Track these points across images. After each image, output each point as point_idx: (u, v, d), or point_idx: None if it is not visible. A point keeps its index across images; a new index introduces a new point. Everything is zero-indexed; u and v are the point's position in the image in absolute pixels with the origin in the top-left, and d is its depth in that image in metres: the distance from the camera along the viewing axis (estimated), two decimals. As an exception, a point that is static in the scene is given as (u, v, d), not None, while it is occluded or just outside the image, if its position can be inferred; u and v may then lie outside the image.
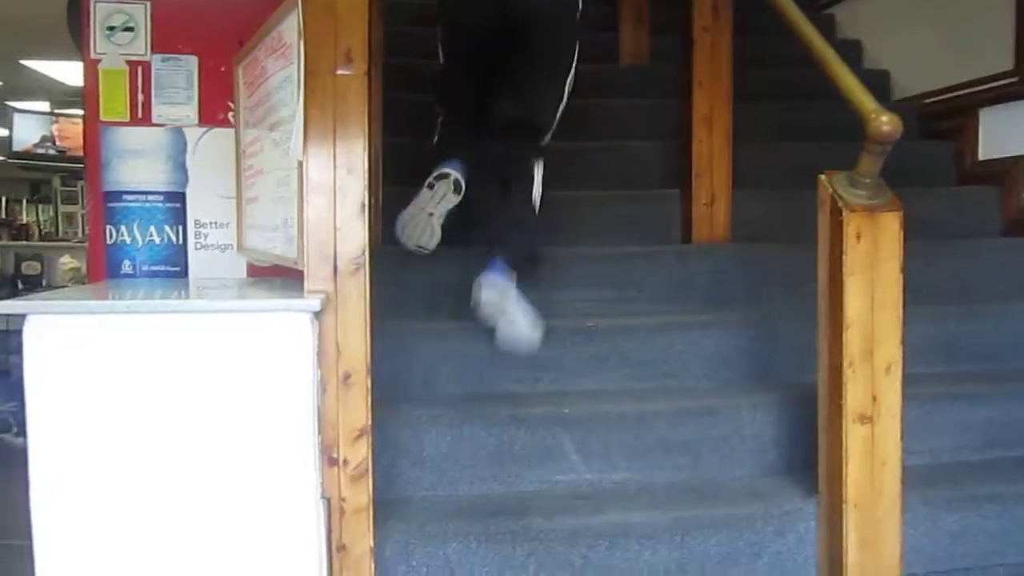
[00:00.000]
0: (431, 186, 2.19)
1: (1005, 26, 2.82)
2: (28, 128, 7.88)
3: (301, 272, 1.62)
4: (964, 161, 3.02)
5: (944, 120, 3.11)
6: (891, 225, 1.72)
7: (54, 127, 7.83)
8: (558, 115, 2.30)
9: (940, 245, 2.64)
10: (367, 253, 1.60)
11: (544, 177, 2.30)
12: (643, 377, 2.21)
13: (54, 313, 1.48)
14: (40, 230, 8.76)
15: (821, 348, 1.81)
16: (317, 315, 1.54)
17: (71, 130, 7.66)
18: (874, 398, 1.73)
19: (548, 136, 2.32)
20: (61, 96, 8.20)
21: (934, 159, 3.05)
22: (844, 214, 1.70)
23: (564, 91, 2.28)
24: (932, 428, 2.10)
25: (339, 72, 1.55)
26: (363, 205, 1.57)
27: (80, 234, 7.12)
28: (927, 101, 3.22)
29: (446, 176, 2.19)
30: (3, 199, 11.21)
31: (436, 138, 2.41)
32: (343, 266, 1.58)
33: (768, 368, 2.24)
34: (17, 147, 7.86)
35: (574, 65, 2.28)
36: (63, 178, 9.12)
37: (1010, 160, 2.84)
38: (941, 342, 2.37)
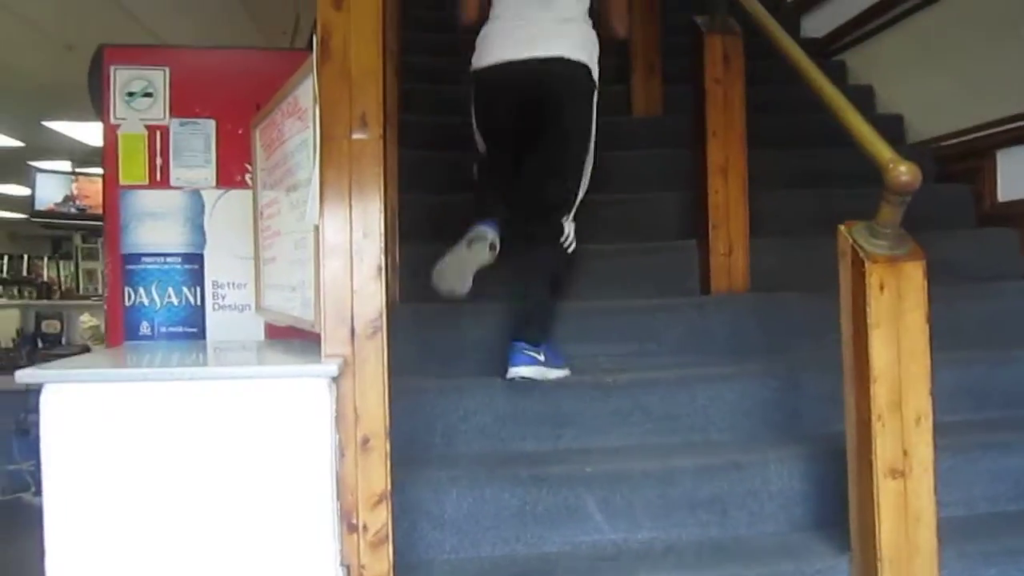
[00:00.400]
0: (469, 245, 2.26)
1: (1018, 68, 2.81)
2: (50, 188, 8.03)
3: (319, 334, 1.62)
4: (983, 203, 2.99)
5: (960, 162, 3.10)
6: (914, 275, 1.69)
7: (74, 186, 7.96)
8: (580, 192, 2.48)
9: (963, 289, 2.61)
10: (384, 315, 1.59)
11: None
12: (666, 432, 2.17)
13: (70, 382, 1.47)
14: (61, 286, 8.87)
15: (848, 401, 1.77)
16: (335, 380, 1.53)
17: (91, 189, 7.80)
18: (905, 452, 1.68)
19: (573, 208, 2.47)
20: (82, 156, 8.35)
21: (952, 201, 3.03)
22: (866, 265, 1.67)
23: (583, 172, 2.48)
24: (966, 478, 2.04)
25: (354, 136, 1.56)
26: (380, 267, 1.56)
27: (100, 290, 7.18)
28: (943, 144, 3.22)
29: (483, 237, 2.27)
30: (26, 257, 11.39)
31: (474, 196, 2.53)
32: (360, 329, 1.57)
33: (793, 420, 2.19)
34: (40, 206, 8.00)
35: (591, 145, 2.48)
36: (84, 235, 9.26)
37: (1031, 201, 2.82)
38: (969, 389, 2.32)
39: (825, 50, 4.10)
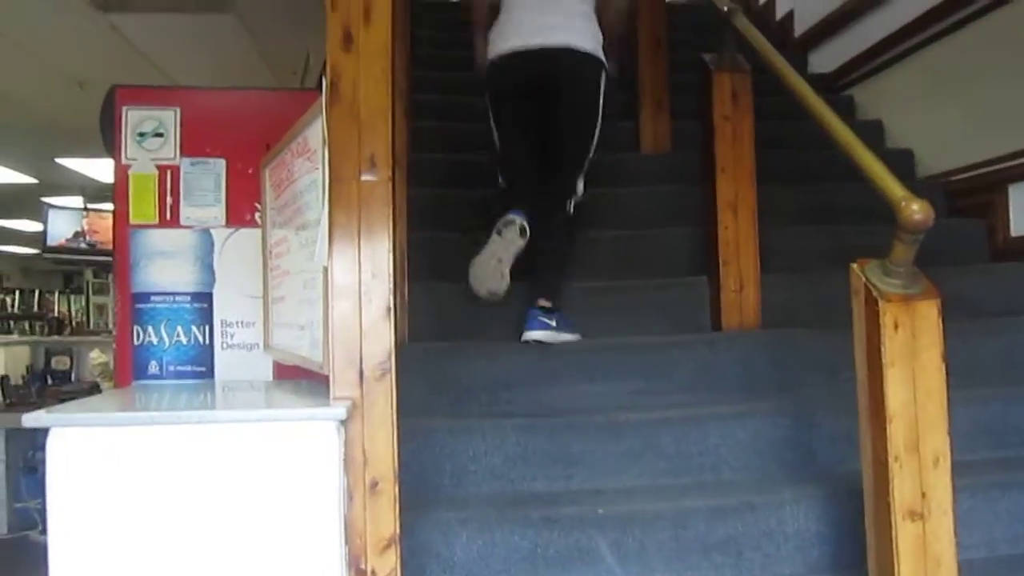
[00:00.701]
0: (500, 232, 2.42)
1: (1028, 102, 2.81)
2: (62, 223, 8.09)
3: (327, 375, 1.60)
4: (996, 237, 2.97)
5: (972, 197, 3.09)
6: (929, 314, 1.67)
7: (84, 222, 8.02)
8: (587, 165, 2.67)
9: (978, 324, 2.58)
10: (394, 357, 1.58)
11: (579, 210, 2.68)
12: (678, 472, 2.14)
13: (76, 426, 1.46)
14: (72, 321, 8.91)
15: (864, 442, 1.74)
16: (343, 423, 1.51)
17: (101, 224, 7.85)
18: (923, 494, 1.65)
19: (582, 181, 2.68)
20: (94, 192, 8.43)
21: (965, 236, 3.02)
22: (880, 304, 1.65)
23: (592, 147, 2.66)
24: (985, 519, 2.00)
25: (363, 178, 1.56)
26: (389, 309, 1.55)
27: (110, 325, 7.22)
28: (953, 178, 3.21)
29: (512, 223, 2.43)
30: (37, 291, 11.47)
31: (501, 191, 2.72)
32: (369, 371, 1.56)
33: (808, 459, 2.16)
34: (51, 242, 8.06)
35: (598, 129, 2.66)
36: (95, 271, 9.32)
37: (1045, 236, 2.80)
38: (987, 427, 2.28)
39: (833, 85, 4.11)
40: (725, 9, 2.62)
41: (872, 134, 3.63)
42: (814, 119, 2.05)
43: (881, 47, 3.73)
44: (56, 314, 9.51)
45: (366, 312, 1.56)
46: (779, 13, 4.90)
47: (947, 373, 1.69)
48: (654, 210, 3.13)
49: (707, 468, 2.15)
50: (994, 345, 2.53)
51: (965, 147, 3.17)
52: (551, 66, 2.55)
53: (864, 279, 1.71)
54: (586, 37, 2.58)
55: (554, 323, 2.43)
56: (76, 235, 7.93)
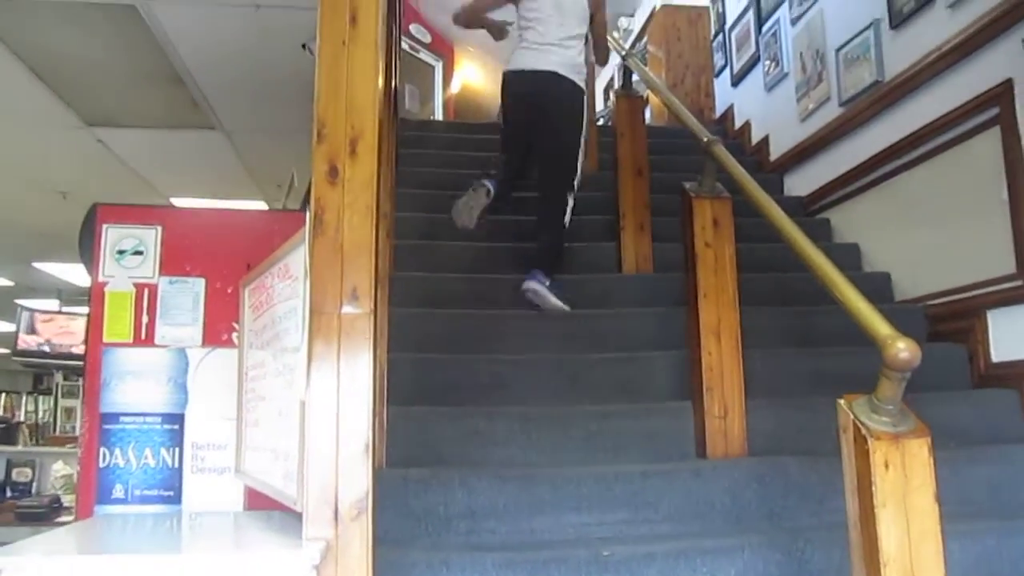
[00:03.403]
0: (474, 189, 3.32)
1: (1001, 230, 2.86)
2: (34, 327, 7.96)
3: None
4: (977, 363, 2.97)
5: (951, 322, 3.10)
6: (920, 452, 1.63)
7: (49, 325, 7.92)
8: (577, 174, 3.40)
9: (965, 453, 2.54)
10: (371, 495, 1.51)
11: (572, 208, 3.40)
12: (666, 612, 2.04)
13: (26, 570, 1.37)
14: (37, 425, 8.65)
15: (859, 586, 1.68)
16: (316, 567, 1.43)
17: (75, 327, 7.76)
18: (922, 642, 1.58)
19: (575, 185, 3.40)
20: (69, 295, 8.37)
21: (946, 361, 3.01)
22: (870, 442, 1.62)
23: (578, 157, 3.41)
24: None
25: (345, 310, 1.53)
26: (367, 446, 1.50)
27: (77, 430, 7.03)
28: (931, 303, 3.23)
29: (482, 185, 3.31)
30: (2, 394, 11.17)
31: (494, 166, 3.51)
32: (345, 511, 1.49)
33: (799, 598, 2.08)
34: (22, 344, 7.92)
35: (582, 139, 3.44)
36: (65, 373, 9.13)
37: (1026, 364, 2.80)
38: (980, 563, 2.21)
39: (809, 208, 4.19)
40: (705, 140, 2.68)
41: (849, 257, 3.68)
42: (796, 254, 2.06)
43: (853, 174, 3.83)
44: (23, 419, 9.23)
45: (343, 448, 1.51)
46: (755, 138, 5.05)
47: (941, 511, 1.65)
48: (636, 333, 3.12)
49: (695, 608, 2.06)
50: (983, 474, 2.49)
51: (941, 272, 3.20)
52: (543, 86, 3.39)
53: (852, 416, 1.68)
54: (570, 67, 3.40)
55: (547, 283, 3.19)
56: (46, 339, 7.81)
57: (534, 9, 3.47)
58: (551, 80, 3.37)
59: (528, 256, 3.32)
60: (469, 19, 3.72)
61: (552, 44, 3.42)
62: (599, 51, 3.75)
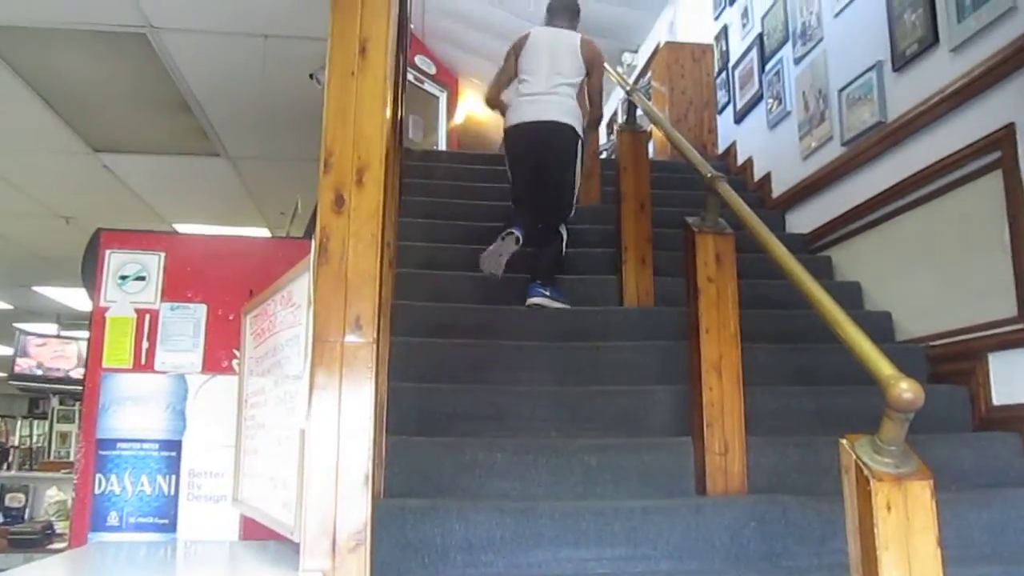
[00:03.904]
0: (503, 238, 3.47)
1: (1004, 273, 2.86)
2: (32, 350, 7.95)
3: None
4: (979, 405, 2.95)
5: (952, 363, 3.09)
6: (922, 495, 1.62)
7: (45, 349, 7.91)
8: (574, 203, 3.81)
9: (966, 496, 2.52)
10: (369, 526, 1.50)
11: (568, 239, 3.78)
12: (664, 652, 2.02)
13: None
14: (32, 450, 8.58)
15: (860, 630, 1.65)
16: (312, 599, 1.42)
17: (69, 351, 7.75)
18: None
19: (571, 214, 3.80)
20: (68, 319, 8.35)
21: (947, 402, 2.99)
22: (872, 484, 1.61)
23: (574, 192, 3.79)
24: None
25: (348, 339, 1.53)
26: (367, 476, 1.49)
27: (72, 455, 7.00)
28: (932, 343, 3.22)
29: (511, 234, 3.48)
30: (-1, 417, 11.11)
31: (510, 209, 3.79)
32: (343, 542, 1.48)
33: (799, 641, 2.05)
34: (19, 368, 7.90)
35: (577, 175, 3.76)
36: (61, 398, 9.10)
37: (1027, 407, 2.79)
38: (981, 608, 2.19)
39: (811, 246, 4.20)
40: (709, 175, 2.69)
41: (851, 296, 3.68)
42: (799, 291, 2.06)
43: (855, 213, 3.84)
44: (16, 443, 9.17)
45: (343, 479, 1.50)
46: (757, 174, 5.08)
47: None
48: (637, 366, 3.10)
49: (694, 648, 2.04)
50: (985, 518, 2.46)
51: (943, 313, 3.20)
52: (544, 135, 3.71)
53: (855, 456, 1.67)
54: (567, 113, 3.72)
55: (548, 292, 3.52)
56: (40, 364, 7.81)
57: (529, 60, 3.82)
58: (547, 128, 3.68)
59: (531, 268, 3.63)
60: (489, 105, 4.08)
61: (545, 93, 3.72)
62: (592, 108, 3.98)
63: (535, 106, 3.73)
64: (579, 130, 3.74)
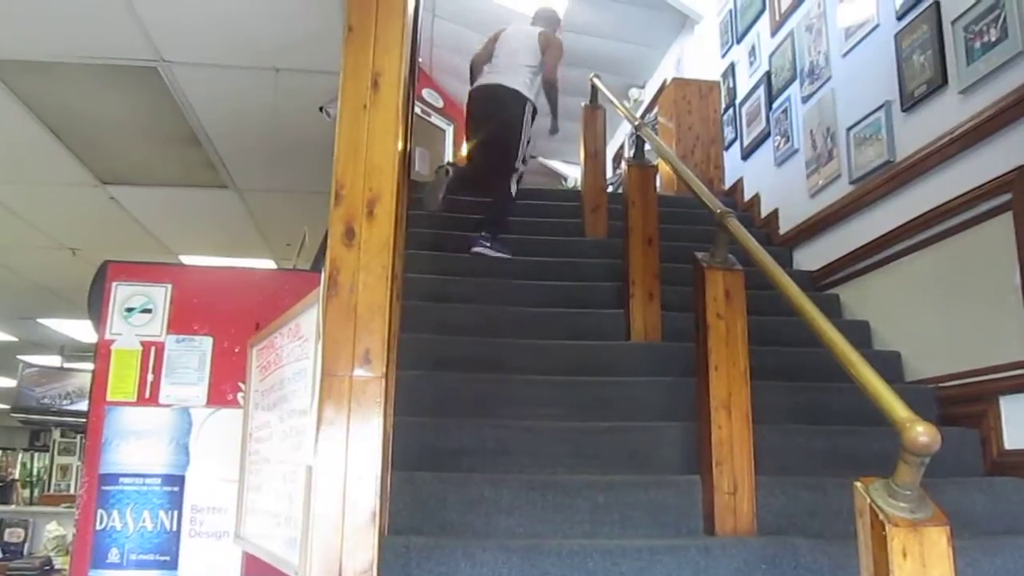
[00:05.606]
0: (437, 173, 4.36)
1: (1014, 316, 2.84)
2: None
3: (301, 581, 1.49)
4: (990, 449, 2.91)
5: (963, 405, 3.05)
6: (939, 541, 1.59)
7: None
8: (520, 162, 4.55)
9: (980, 543, 2.47)
10: (375, 565, 1.47)
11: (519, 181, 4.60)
12: None
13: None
14: (32, 483, 8.52)
15: None
16: (316, 642, 1.38)
17: (69, 384, 7.74)
18: None
19: (518, 170, 4.55)
20: (72, 351, 8.33)
21: (958, 445, 2.95)
22: (887, 528, 1.58)
23: (519, 147, 4.52)
24: None
25: (356, 373, 1.51)
26: (374, 514, 1.46)
27: (72, 488, 6.96)
28: (943, 385, 3.19)
29: (443, 167, 4.40)
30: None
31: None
32: (348, 582, 1.45)
33: None
34: (21, 401, 7.87)
35: (524, 131, 4.54)
36: (63, 430, 9.07)
37: (1041, 455, 2.75)
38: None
39: (819, 284, 4.18)
40: (718, 211, 2.68)
41: (860, 335, 3.66)
42: (811, 329, 2.05)
43: (863, 251, 3.83)
44: (16, 476, 9.12)
45: (350, 517, 1.47)
46: (764, 211, 5.08)
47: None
48: (644, 402, 3.07)
49: None
50: (1000, 567, 2.40)
51: (953, 354, 3.17)
52: (497, 94, 4.56)
53: (869, 500, 1.64)
54: (519, 81, 4.56)
55: (488, 244, 4.24)
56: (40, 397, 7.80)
57: (499, 47, 4.73)
58: (499, 91, 4.55)
59: (477, 223, 4.35)
60: (471, 71, 4.91)
61: (504, 68, 4.62)
62: (545, 75, 4.72)
63: (493, 75, 4.64)
64: (529, 95, 4.55)
